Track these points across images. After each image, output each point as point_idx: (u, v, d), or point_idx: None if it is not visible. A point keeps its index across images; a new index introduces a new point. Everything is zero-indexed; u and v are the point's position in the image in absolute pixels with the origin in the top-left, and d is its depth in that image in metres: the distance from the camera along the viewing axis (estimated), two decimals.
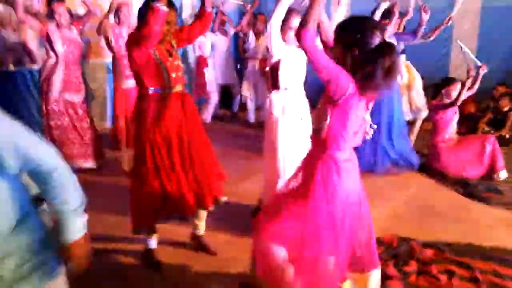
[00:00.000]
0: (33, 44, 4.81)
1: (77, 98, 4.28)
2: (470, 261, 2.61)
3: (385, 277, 2.37)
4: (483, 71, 4.06)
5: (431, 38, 4.44)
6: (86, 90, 4.55)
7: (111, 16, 4.42)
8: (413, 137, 4.92)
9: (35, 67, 4.73)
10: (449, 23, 4.41)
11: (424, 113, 4.95)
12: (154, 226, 2.59)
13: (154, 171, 2.39)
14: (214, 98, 6.27)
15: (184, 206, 2.44)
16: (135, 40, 2.28)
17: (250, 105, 6.25)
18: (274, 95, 2.90)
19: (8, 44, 4.60)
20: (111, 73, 4.81)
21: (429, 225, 3.17)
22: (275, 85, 2.90)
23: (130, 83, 4.18)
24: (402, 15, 4.55)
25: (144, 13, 2.21)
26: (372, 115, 4.45)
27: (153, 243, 2.66)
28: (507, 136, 5.13)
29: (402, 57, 4.68)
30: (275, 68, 2.87)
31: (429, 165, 4.30)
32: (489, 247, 2.82)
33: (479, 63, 4.09)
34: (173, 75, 2.41)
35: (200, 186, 2.49)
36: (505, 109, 5.28)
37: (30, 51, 4.74)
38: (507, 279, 2.43)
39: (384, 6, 4.08)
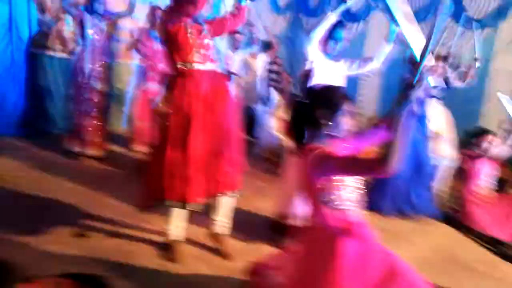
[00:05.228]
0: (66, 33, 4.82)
1: (101, 86, 4.25)
2: None
3: None
4: None
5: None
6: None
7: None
8: (435, 184, 4.66)
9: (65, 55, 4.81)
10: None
11: (448, 162, 4.72)
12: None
13: (171, 149, 2.29)
14: None
15: (195, 191, 2.32)
16: (173, 11, 2.35)
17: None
18: None
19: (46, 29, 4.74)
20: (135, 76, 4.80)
21: (454, 276, 2.96)
22: None
23: (153, 86, 4.26)
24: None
25: None
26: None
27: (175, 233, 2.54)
28: None
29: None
30: (306, 75, 2.79)
31: (454, 215, 4.04)
32: None
33: None
34: (202, 51, 2.40)
35: (216, 173, 2.39)
36: None
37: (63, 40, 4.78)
38: None
39: None
